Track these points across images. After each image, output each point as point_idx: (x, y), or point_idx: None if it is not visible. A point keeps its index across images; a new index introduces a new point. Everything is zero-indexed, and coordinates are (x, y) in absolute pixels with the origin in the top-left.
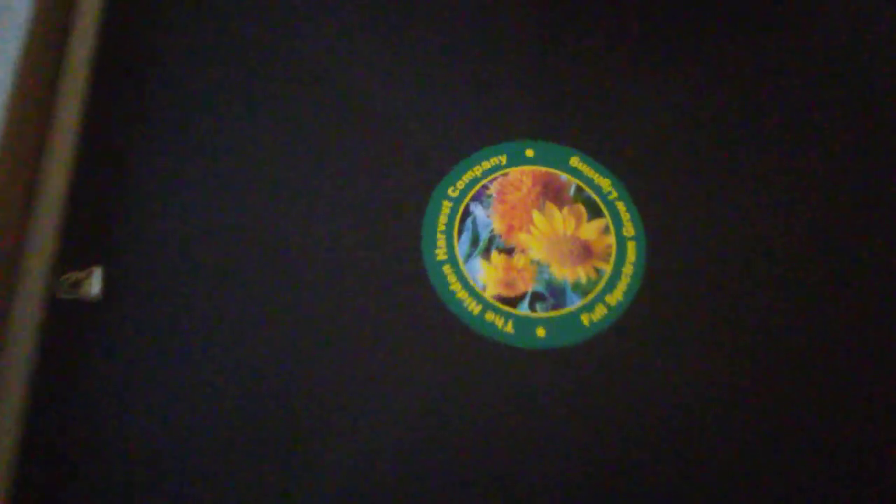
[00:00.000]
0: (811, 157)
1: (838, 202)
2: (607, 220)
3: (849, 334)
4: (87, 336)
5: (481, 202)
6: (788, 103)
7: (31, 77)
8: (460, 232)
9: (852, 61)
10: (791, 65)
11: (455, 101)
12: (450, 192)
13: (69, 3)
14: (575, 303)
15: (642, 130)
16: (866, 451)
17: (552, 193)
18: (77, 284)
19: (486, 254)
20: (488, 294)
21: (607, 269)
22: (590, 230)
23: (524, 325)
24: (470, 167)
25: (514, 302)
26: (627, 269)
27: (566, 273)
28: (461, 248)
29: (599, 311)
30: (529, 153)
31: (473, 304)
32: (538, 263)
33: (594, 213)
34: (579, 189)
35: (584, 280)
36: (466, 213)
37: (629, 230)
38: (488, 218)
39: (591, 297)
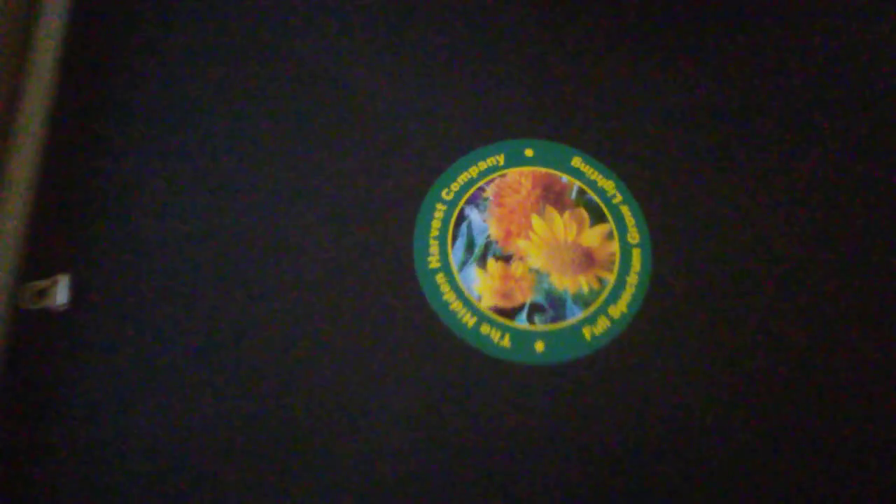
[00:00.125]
0: (827, 161)
1: (855, 207)
2: (611, 225)
3: (866, 347)
4: (54, 347)
5: (477, 205)
6: (801, 104)
7: None
8: (454, 238)
9: (860, 60)
10: (801, 64)
11: (449, 98)
12: (443, 194)
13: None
14: (576, 315)
15: (649, 129)
16: (888, 461)
17: (553, 196)
18: (43, 294)
19: (482, 261)
20: (484, 305)
21: (611, 278)
22: (592, 236)
23: (522, 338)
24: (465, 168)
25: (511, 313)
26: (632, 279)
27: (567, 283)
28: (455, 255)
29: (602, 324)
30: (529, 153)
31: (468, 315)
32: (537, 272)
33: (597, 217)
34: (581, 192)
35: (585, 290)
36: (461, 217)
37: (634, 236)
38: (484, 223)
39: (593, 308)
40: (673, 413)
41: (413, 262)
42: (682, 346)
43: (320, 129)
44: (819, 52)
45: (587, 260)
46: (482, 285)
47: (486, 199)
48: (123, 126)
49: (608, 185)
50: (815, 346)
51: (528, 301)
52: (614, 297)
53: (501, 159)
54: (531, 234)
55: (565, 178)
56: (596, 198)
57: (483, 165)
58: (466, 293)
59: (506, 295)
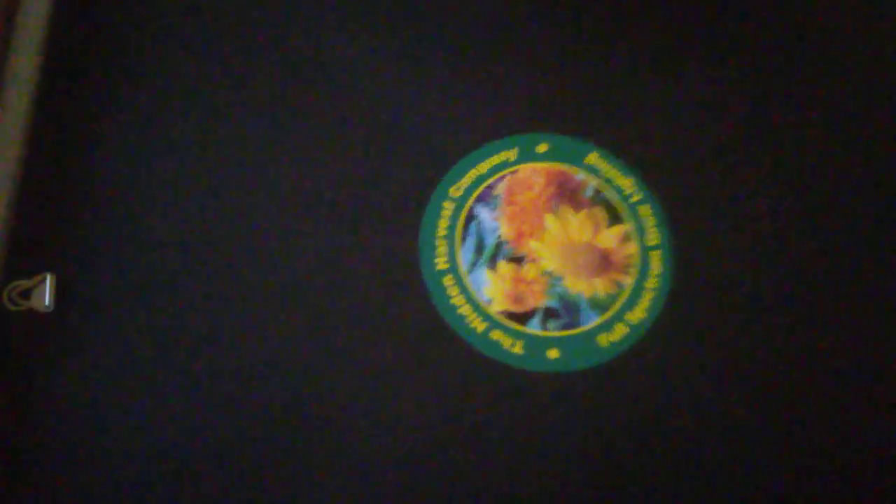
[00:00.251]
0: (870, 159)
1: (890, 207)
2: (629, 226)
3: None
4: (37, 350)
5: (487, 204)
6: (842, 96)
7: None
8: (463, 238)
9: (891, 52)
10: (844, 52)
11: (458, 89)
12: (452, 192)
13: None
14: (592, 321)
15: (670, 123)
16: None
17: (567, 195)
18: (26, 294)
19: (493, 263)
20: (494, 309)
21: (628, 282)
22: (609, 237)
23: (534, 345)
24: (474, 164)
25: (523, 319)
26: (651, 283)
27: (582, 287)
28: (464, 256)
29: (619, 331)
30: (542, 148)
31: (478, 320)
32: (550, 275)
33: (614, 217)
34: (598, 190)
35: (601, 294)
36: (470, 216)
37: (653, 238)
38: (495, 222)
39: (609, 314)
40: (694, 426)
41: (419, 263)
42: (705, 355)
43: (320, 124)
44: (861, 41)
45: (603, 262)
46: (493, 288)
47: (496, 196)
48: (113, 120)
49: (626, 182)
50: (851, 356)
51: (541, 305)
52: (632, 302)
53: (513, 154)
54: (544, 234)
55: (581, 175)
56: (613, 196)
57: (494, 161)
58: (476, 297)
59: (517, 299)
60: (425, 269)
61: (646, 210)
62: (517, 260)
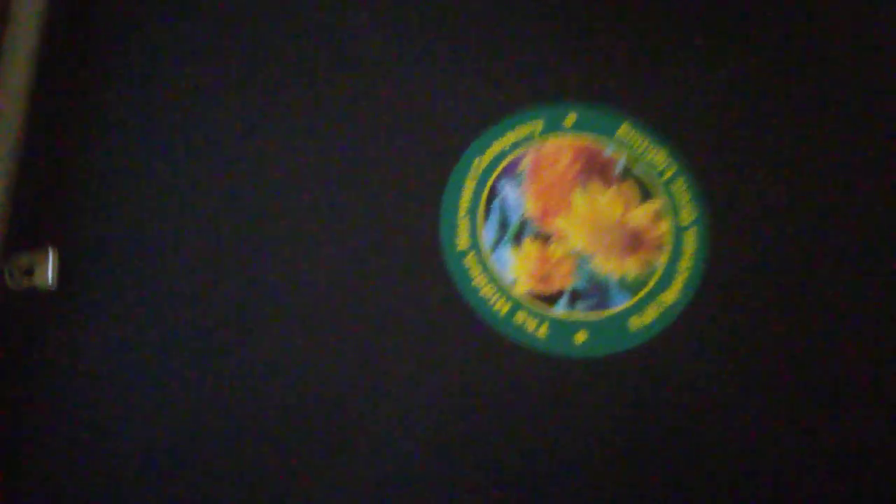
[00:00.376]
0: None
1: None
2: (662, 202)
3: None
4: (41, 331)
5: (512, 179)
6: (891, 70)
7: None
8: (486, 215)
9: None
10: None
11: (480, 56)
12: (474, 166)
13: None
14: (622, 303)
15: (709, 92)
16: None
17: (597, 170)
18: (29, 271)
19: (517, 242)
20: (518, 291)
21: (661, 262)
22: (641, 215)
23: (561, 328)
24: (497, 137)
25: (549, 300)
26: (685, 263)
27: (611, 267)
28: (487, 234)
29: (651, 313)
30: (570, 120)
31: (500, 301)
32: (578, 254)
33: (646, 194)
34: (629, 165)
35: (632, 275)
36: (493, 192)
37: (688, 216)
38: (520, 198)
39: (640, 295)
40: (730, 414)
41: (439, 242)
42: (742, 340)
43: (333, 95)
44: None
45: (634, 241)
46: (517, 268)
47: (521, 172)
48: (120, 85)
49: (659, 157)
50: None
51: (568, 287)
52: (665, 283)
53: (539, 127)
54: (572, 211)
55: (611, 148)
56: (645, 171)
57: (518, 134)
58: (499, 277)
59: (543, 279)
60: (445, 249)
61: (680, 186)
62: (543, 238)
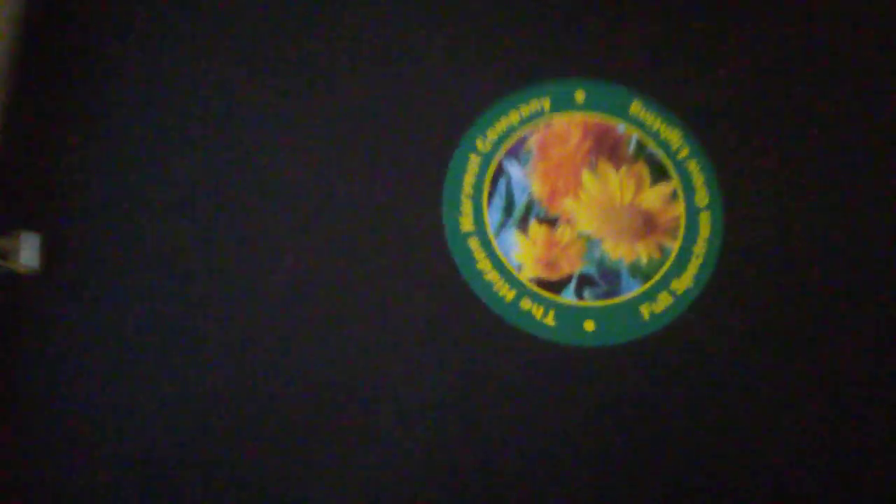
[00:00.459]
0: None
1: None
2: (676, 184)
3: None
4: (21, 313)
5: (518, 158)
6: None
7: None
8: (491, 196)
9: None
10: None
11: (486, 30)
12: (479, 144)
13: None
14: (633, 289)
15: (724, 70)
16: None
17: (607, 149)
18: (8, 254)
19: (523, 224)
20: (524, 276)
21: (674, 246)
22: (653, 197)
23: (569, 315)
24: (504, 113)
25: (556, 286)
26: (699, 248)
27: (622, 251)
28: (492, 216)
29: (663, 301)
30: (580, 96)
31: (506, 288)
32: (588, 238)
33: (659, 174)
34: (641, 144)
35: (644, 260)
36: (499, 172)
37: (703, 198)
38: (526, 179)
39: (653, 282)
40: (745, 405)
41: (442, 223)
42: (758, 328)
43: (331, 64)
44: None
45: (647, 224)
46: (523, 253)
47: (528, 151)
48: (101, 69)
49: (673, 136)
50: None
51: (577, 272)
52: (678, 269)
53: (547, 104)
54: (581, 193)
55: (622, 126)
56: (659, 151)
57: (526, 110)
58: (505, 262)
59: (550, 264)
60: (448, 231)
61: (694, 166)
62: (550, 221)
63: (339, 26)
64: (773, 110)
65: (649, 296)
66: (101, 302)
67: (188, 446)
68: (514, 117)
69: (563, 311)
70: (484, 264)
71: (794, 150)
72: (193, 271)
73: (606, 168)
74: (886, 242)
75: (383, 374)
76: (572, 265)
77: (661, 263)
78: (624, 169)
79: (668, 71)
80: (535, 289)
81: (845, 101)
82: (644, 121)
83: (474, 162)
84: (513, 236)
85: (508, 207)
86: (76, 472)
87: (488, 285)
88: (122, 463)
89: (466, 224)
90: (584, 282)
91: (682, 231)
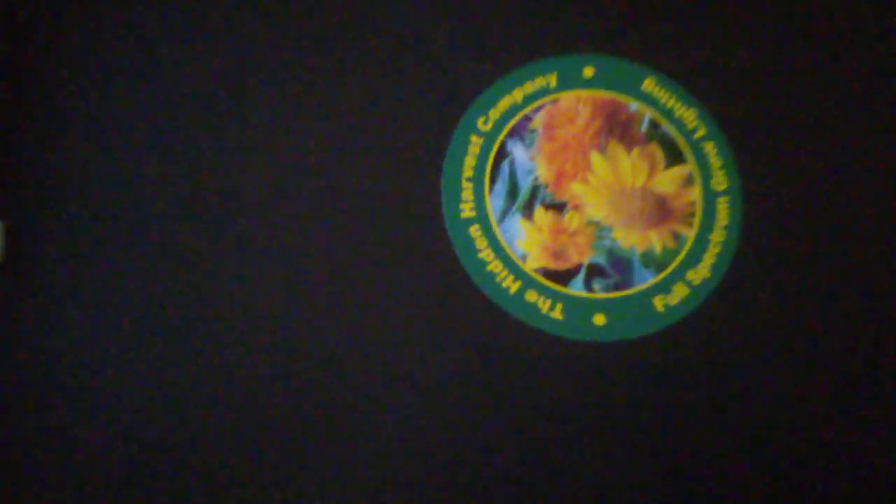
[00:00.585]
0: None
1: None
2: (691, 166)
3: None
4: None
5: (522, 139)
6: None
7: None
8: (493, 179)
9: None
10: None
11: (488, 0)
12: (480, 123)
13: None
14: (646, 280)
15: (743, 45)
16: None
17: (618, 129)
18: None
19: (528, 210)
20: (530, 266)
21: (690, 234)
22: (667, 181)
23: (577, 308)
24: (508, 90)
25: (564, 277)
26: (717, 236)
27: (634, 239)
28: (494, 201)
29: (678, 293)
30: (588, 72)
31: (510, 278)
32: (597, 225)
33: (674, 156)
34: (654, 123)
35: (658, 249)
36: (502, 153)
37: (720, 182)
38: (531, 161)
39: (667, 272)
40: (767, 405)
41: (441, 209)
42: (778, 321)
43: (326, 39)
44: None
45: (660, 211)
46: (528, 241)
47: (533, 131)
48: (75, 56)
49: (689, 115)
50: None
51: (586, 262)
52: (694, 258)
53: (553, 80)
54: (590, 176)
55: (634, 105)
56: (673, 131)
57: (530, 88)
58: (508, 251)
59: (557, 253)
60: (448, 217)
61: (711, 148)
62: (557, 207)
63: (334, 1)
64: (796, 88)
65: (663, 287)
66: (67, 292)
67: (170, 441)
68: (517, 95)
69: (571, 304)
70: (486, 253)
71: (817, 131)
72: (167, 258)
73: (617, 149)
74: None
75: (380, 371)
76: (581, 254)
77: (676, 252)
78: (636, 150)
79: (683, 45)
80: (541, 280)
81: (875, 79)
82: (657, 99)
83: (475, 143)
84: (517, 223)
85: (512, 192)
86: (42, 468)
87: (491, 276)
88: (101, 461)
89: (467, 210)
90: (594, 272)
91: (698, 217)
